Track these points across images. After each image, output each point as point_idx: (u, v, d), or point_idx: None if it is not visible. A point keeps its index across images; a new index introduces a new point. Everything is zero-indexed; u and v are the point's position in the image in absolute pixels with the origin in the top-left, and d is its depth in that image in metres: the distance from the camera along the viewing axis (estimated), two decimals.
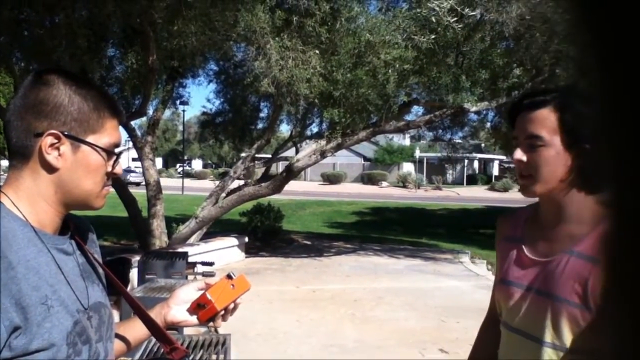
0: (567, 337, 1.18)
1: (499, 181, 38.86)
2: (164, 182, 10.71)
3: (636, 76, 0.23)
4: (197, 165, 63.64)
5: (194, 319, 1.29)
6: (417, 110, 10.79)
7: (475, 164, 48.24)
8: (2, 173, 49.86)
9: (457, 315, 6.12)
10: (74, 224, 1.11)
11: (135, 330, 1.27)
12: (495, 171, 46.35)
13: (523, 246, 1.31)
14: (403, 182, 40.77)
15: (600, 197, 1.24)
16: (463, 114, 9.70)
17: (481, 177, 45.39)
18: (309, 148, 9.94)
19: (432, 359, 4.96)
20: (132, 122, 10.00)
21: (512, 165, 1.30)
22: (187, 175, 39.81)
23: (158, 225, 9.57)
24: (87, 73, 7.84)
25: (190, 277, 4.16)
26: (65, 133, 0.99)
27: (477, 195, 31.80)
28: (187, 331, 2.90)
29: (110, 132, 1.04)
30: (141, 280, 4.03)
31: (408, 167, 44.01)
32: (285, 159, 11.99)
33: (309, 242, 13.01)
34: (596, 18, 0.25)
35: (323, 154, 9.26)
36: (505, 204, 16.78)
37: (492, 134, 13.64)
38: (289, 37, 7.46)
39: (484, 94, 8.83)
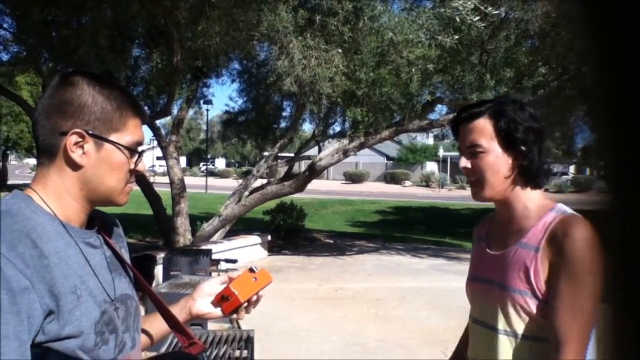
0: (516, 324, 1.27)
1: None
2: (188, 180, 10.83)
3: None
4: (220, 164, 64.08)
5: (218, 311, 1.32)
6: (440, 109, 10.71)
7: None
8: (29, 171, 50.93)
9: None
10: (101, 219, 1.14)
11: (158, 325, 1.30)
12: None
13: (485, 243, 1.44)
14: (426, 182, 40.51)
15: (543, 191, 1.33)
16: None
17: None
18: (331, 147, 9.95)
19: None
20: (157, 122, 10.14)
21: None
22: (210, 174, 40.13)
23: (182, 223, 9.68)
24: (112, 73, 7.96)
25: (214, 274, 4.21)
26: (89, 132, 1.02)
27: None
28: (210, 327, 2.94)
29: (132, 131, 1.07)
30: (166, 276, 4.08)
31: (431, 167, 43.71)
32: (308, 157, 11.99)
33: (331, 241, 13.02)
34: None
35: (346, 153, 9.25)
36: None
37: None
38: (311, 36, 7.48)
39: (509, 92, 8.73)
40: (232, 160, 65.10)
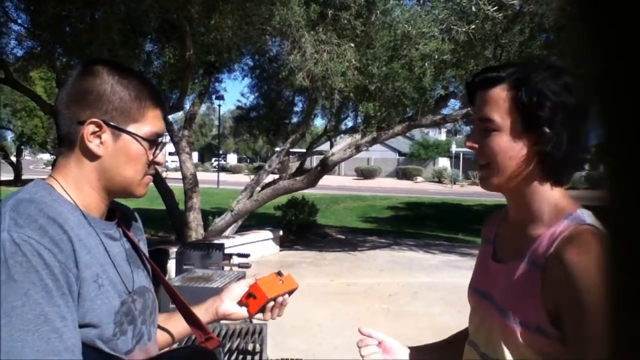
0: (501, 352, 1.03)
1: None
2: (200, 176, 10.87)
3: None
4: (232, 159, 64.30)
5: (244, 312, 1.33)
6: (454, 103, 10.64)
7: None
8: (43, 166, 51.38)
9: None
10: (121, 212, 1.15)
11: (180, 324, 1.30)
12: None
13: (493, 248, 1.18)
14: (438, 178, 40.34)
15: (567, 190, 1.02)
16: None
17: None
18: (343, 142, 9.93)
19: None
20: (169, 117, 10.17)
21: None
22: (222, 169, 40.28)
23: (194, 218, 9.71)
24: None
25: (226, 268, 4.21)
26: (107, 122, 1.01)
27: None
28: (224, 320, 2.94)
29: (151, 122, 1.06)
30: (179, 270, 4.09)
31: (444, 162, 43.52)
32: (320, 153, 11.99)
33: (343, 237, 13.01)
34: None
35: (358, 148, 9.23)
36: None
37: None
38: (323, 30, 7.45)
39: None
40: (244, 156, 65.26)
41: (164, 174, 10.28)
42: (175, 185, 10.68)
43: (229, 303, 1.32)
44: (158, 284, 1.35)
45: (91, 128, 1.01)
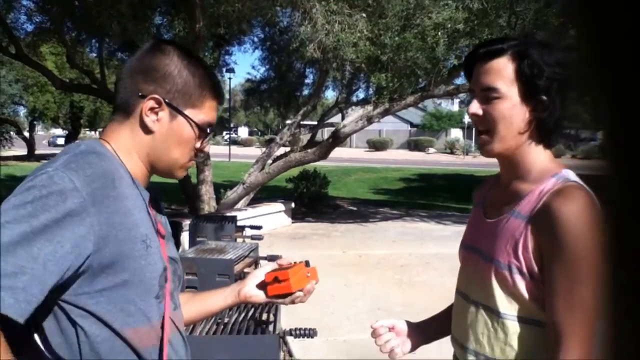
0: (500, 301, 1.12)
1: None
2: (212, 149, 10.78)
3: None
4: (243, 132, 64.27)
5: (262, 296, 1.34)
6: None
7: None
8: (50, 140, 51.57)
9: None
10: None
11: (208, 302, 1.33)
12: None
13: (482, 210, 1.28)
14: (451, 149, 40.12)
15: (555, 152, 1.15)
16: None
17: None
18: (355, 114, 9.87)
19: None
20: None
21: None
22: (233, 142, 40.33)
23: (207, 191, 9.77)
24: (134, 41, 7.94)
25: (239, 240, 4.24)
26: (167, 101, 1.05)
27: None
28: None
29: (207, 111, 1.10)
30: (192, 242, 4.13)
31: (456, 133, 43.20)
32: (331, 125, 11.93)
33: (354, 208, 13.03)
34: None
35: (370, 120, 9.17)
36: None
37: None
38: (335, 0, 7.34)
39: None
40: (255, 129, 65.20)
41: None
42: None
43: (251, 286, 1.34)
44: None
45: (151, 103, 1.04)
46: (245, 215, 8.68)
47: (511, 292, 1.11)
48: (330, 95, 27.17)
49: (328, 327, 4.65)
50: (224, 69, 15.16)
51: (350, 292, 5.86)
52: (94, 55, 11.67)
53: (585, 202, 1.02)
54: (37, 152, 29.36)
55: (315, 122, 13.55)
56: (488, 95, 1.13)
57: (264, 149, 10.90)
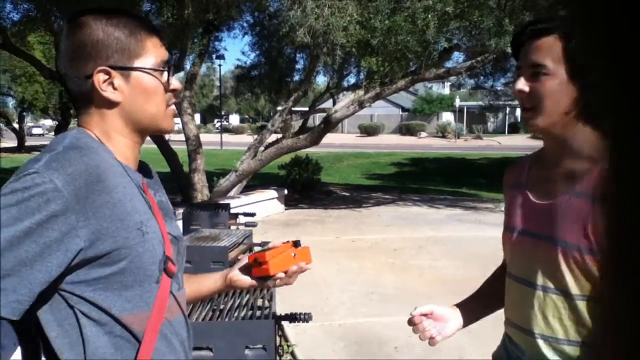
0: (570, 282, 1.12)
1: None
2: (203, 137, 10.82)
3: None
4: (234, 120, 63.97)
5: (247, 280, 1.32)
6: (457, 56, 10.48)
7: (518, 112, 46.93)
8: (46, 132, 51.18)
9: (499, 263, 6.08)
10: (139, 167, 1.15)
11: (201, 285, 1.33)
12: None
13: (527, 191, 1.26)
14: (442, 133, 40.15)
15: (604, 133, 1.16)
16: (506, 59, 9.38)
17: (523, 125, 44.18)
18: (346, 99, 9.85)
19: None
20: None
21: None
22: (225, 130, 40.15)
23: (199, 179, 9.75)
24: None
25: (233, 228, 4.25)
26: (112, 66, 1.02)
27: (519, 144, 30.98)
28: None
29: (153, 52, 1.06)
30: (186, 230, 4.13)
31: (447, 117, 43.23)
32: (323, 110, 11.92)
33: (347, 194, 13.06)
34: None
35: (361, 105, 9.15)
36: None
37: None
38: None
39: None
40: (247, 116, 64.93)
41: (166, 136, 10.26)
42: (179, 147, 10.67)
43: (236, 270, 1.33)
44: None
45: (101, 77, 1.01)
46: (238, 202, 8.68)
47: (582, 272, 1.11)
48: (321, 80, 27.07)
49: (323, 312, 4.67)
50: (214, 56, 15.05)
51: (345, 277, 5.88)
52: None
53: None
54: (27, 143, 29.08)
55: (307, 108, 13.51)
56: (536, 71, 1.15)
57: (255, 136, 10.88)
